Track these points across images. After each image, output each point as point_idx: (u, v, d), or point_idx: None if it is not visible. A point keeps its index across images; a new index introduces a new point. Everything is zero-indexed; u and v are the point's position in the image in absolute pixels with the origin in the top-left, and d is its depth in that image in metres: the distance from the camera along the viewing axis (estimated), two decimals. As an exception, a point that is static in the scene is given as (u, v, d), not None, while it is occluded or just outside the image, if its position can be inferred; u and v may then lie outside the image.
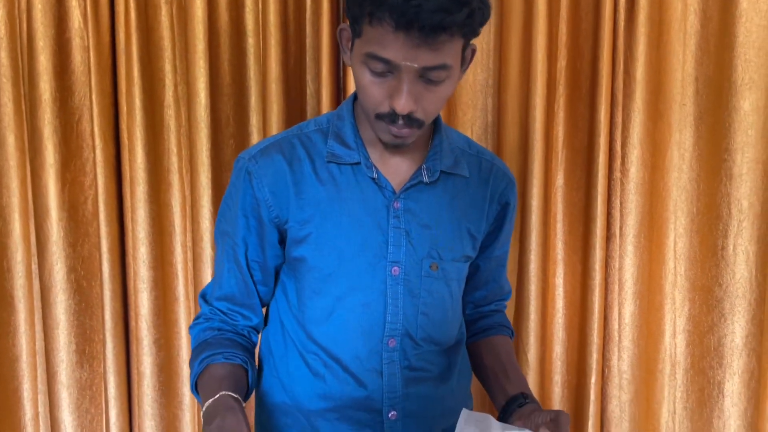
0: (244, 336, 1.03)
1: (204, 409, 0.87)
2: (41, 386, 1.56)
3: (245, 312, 1.03)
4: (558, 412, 0.92)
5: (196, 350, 1.00)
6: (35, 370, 1.55)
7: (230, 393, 0.88)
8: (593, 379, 1.54)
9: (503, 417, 1.00)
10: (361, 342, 1.00)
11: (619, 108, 1.50)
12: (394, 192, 0.99)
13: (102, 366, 1.55)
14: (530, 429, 0.92)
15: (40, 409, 1.56)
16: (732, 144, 1.49)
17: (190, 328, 1.04)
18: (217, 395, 0.87)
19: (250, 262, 1.01)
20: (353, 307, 0.99)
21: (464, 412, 0.94)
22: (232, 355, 0.97)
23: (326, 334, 1.01)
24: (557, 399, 1.62)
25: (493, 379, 1.08)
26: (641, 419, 1.60)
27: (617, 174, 1.52)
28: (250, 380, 0.99)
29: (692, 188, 1.53)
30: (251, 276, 1.01)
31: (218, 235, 1.02)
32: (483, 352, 1.12)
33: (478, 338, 1.15)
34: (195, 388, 0.97)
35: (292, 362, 1.03)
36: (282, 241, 1.01)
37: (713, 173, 1.51)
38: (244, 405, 0.89)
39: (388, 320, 1.00)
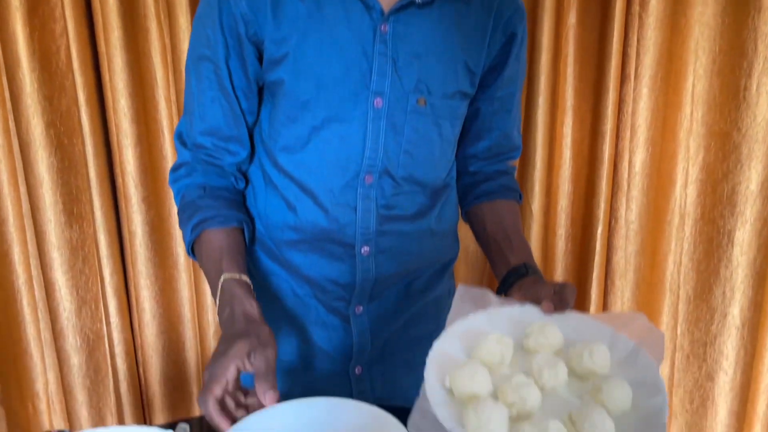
0: (232, 185, 0.97)
1: (219, 296, 0.87)
2: (32, 249, 1.51)
3: (232, 147, 0.94)
4: (563, 284, 0.87)
5: (185, 212, 0.95)
6: (24, 232, 1.50)
7: (234, 276, 0.87)
8: (599, 230, 1.49)
9: (503, 289, 0.95)
10: (335, 175, 0.93)
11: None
12: (382, 13, 0.87)
13: (92, 226, 1.50)
14: (531, 302, 0.87)
15: (33, 272, 1.53)
16: (763, -29, 1.35)
17: (171, 182, 0.97)
18: (221, 281, 0.86)
19: (236, 89, 0.91)
20: (330, 139, 0.92)
21: (461, 287, 0.89)
22: (224, 219, 0.93)
23: (299, 164, 0.94)
24: (560, 252, 1.58)
25: (495, 248, 1.02)
26: (646, 270, 1.57)
27: (636, 7, 1.38)
28: (247, 238, 0.96)
29: (716, 24, 1.40)
30: (239, 103, 0.92)
31: (194, 62, 0.92)
32: (486, 218, 1.06)
33: (480, 201, 1.08)
34: (191, 251, 0.94)
35: (269, 191, 0.97)
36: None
37: (741, 5, 1.38)
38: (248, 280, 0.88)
39: (366, 155, 0.92)
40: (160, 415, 1.59)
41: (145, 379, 1.57)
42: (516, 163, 1.14)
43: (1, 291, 1.49)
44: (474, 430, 0.70)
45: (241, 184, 0.97)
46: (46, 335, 1.53)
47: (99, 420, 1.57)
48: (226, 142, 0.93)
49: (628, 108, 1.44)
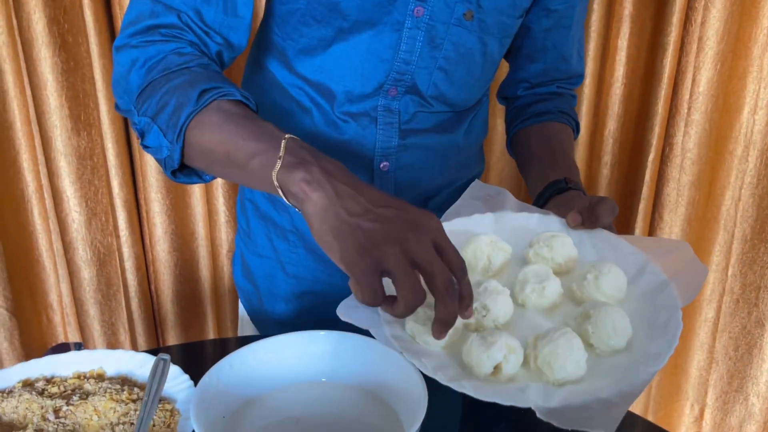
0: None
1: (282, 154, 0.57)
2: (39, 156, 1.44)
3: (226, 33, 0.75)
4: (602, 198, 0.74)
5: (172, 80, 0.68)
6: (32, 138, 1.42)
7: (291, 136, 0.60)
8: (651, 157, 1.34)
9: (536, 205, 0.83)
10: (357, 84, 0.82)
11: None
12: None
13: (99, 134, 1.41)
14: (558, 215, 0.75)
15: (43, 182, 1.46)
16: None
17: (121, 48, 0.72)
18: (286, 137, 0.59)
19: None
20: (357, 44, 0.80)
21: (476, 182, 0.81)
22: (243, 95, 0.67)
23: (318, 68, 0.82)
24: (604, 181, 1.43)
25: (536, 167, 0.89)
26: (699, 205, 1.42)
27: None
28: None
29: None
30: None
31: None
32: (531, 139, 0.93)
33: (527, 124, 0.94)
34: (183, 134, 0.65)
35: (276, 94, 0.86)
36: None
37: None
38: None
39: (395, 68, 0.81)
40: (172, 333, 1.55)
41: (157, 296, 1.52)
42: (576, 92, 0.99)
43: (12, 200, 1.43)
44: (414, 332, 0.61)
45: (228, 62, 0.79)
46: (58, 246, 1.48)
47: (112, 335, 1.54)
48: (219, 26, 0.78)
49: (697, 17, 1.25)
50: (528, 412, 0.54)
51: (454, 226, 0.72)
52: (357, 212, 0.53)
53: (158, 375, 0.60)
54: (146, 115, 0.68)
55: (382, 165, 0.85)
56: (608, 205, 0.73)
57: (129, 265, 1.46)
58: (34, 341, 1.54)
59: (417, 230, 0.53)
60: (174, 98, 0.66)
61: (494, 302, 0.63)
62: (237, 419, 0.65)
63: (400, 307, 0.54)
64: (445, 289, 0.53)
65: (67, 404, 0.68)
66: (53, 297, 1.53)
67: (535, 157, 0.91)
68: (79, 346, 1.57)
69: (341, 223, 0.52)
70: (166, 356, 0.61)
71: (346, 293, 0.90)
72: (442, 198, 0.92)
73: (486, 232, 0.71)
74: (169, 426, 0.67)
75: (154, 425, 0.66)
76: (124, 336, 1.55)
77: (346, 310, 0.62)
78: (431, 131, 0.87)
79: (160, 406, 0.68)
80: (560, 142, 0.91)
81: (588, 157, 1.40)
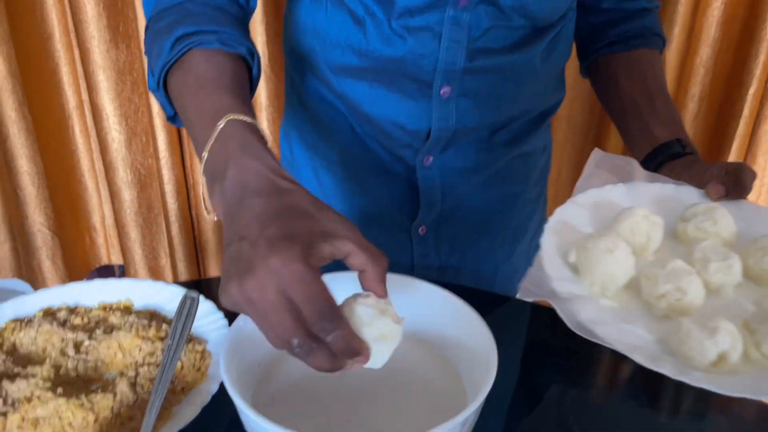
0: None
1: (206, 152, 0.52)
2: (79, 69, 1.36)
3: None
4: (738, 165, 0.65)
5: (161, 19, 0.64)
6: (71, 51, 1.34)
7: (240, 116, 0.53)
8: (752, 90, 1.17)
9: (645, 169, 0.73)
10: None
11: None
12: None
13: (139, 47, 1.32)
14: (691, 184, 0.67)
15: (83, 97, 1.39)
16: None
17: None
18: (221, 125, 0.52)
19: None
20: None
21: (597, 152, 0.73)
22: (228, 38, 0.62)
23: None
24: (690, 115, 1.27)
25: (632, 114, 0.78)
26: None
27: None
28: (254, 74, 0.65)
29: None
30: None
31: None
32: (620, 72, 0.80)
33: (614, 50, 0.81)
34: (163, 86, 0.63)
35: (330, 5, 0.73)
36: None
37: None
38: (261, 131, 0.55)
39: None
40: (213, 261, 1.49)
41: (198, 223, 1.46)
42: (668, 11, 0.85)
43: (53, 117, 1.37)
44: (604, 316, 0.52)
45: (253, 4, 0.71)
46: (99, 166, 1.42)
47: (153, 260, 1.50)
48: None
49: None
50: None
51: (588, 198, 0.66)
52: (227, 243, 0.46)
53: (184, 315, 0.52)
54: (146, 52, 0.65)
55: (442, 91, 0.74)
56: (750, 172, 0.65)
57: (169, 188, 1.39)
58: (77, 262, 1.51)
59: (251, 278, 0.43)
60: (156, 44, 0.62)
61: (689, 283, 0.55)
62: (274, 368, 0.57)
63: None
64: (285, 348, 0.43)
65: (90, 338, 0.61)
66: (96, 218, 1.49)
67: (629, 102, 0.79)
68: (121, 269, 1.54)
69: (225, 246, 0.46)
70: (195, 293, 0.53)
71: (398, 234, 0.82)
72: (511, 131, 0.80)
73: (637, 205, 0.64)
74: (198, 369, 0.59)
75: (182, 368, 0.59)
76: (165, 261, 1.51)
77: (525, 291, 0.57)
78: (505, 51, 0.74)
79: (189, 346, 0.61)
80: (657, 81, 0.79)
81: (674, 88, 1.24)
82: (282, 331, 0.43)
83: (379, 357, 0.47)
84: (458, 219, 0.81)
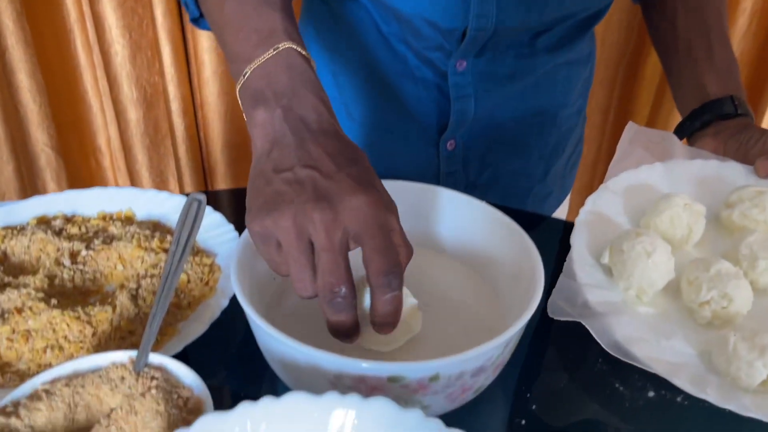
0: None
1: (249, 71, 0.47)
2: (78, -24, 1.27)
3: None
4: None
5: None
6: (69, -44, 1.25)
7: (299, 48, 0.48)
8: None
9: (689, 128, 0.68)
10: None
11: None
12: None
13: (142, -49, 1.22)
14: (737, 160, 0.61)
15: (85, 9, 1.30)
16: None
17: None
18: (280, 48, 0.47)
19: None
20: None
21: (631, 125, 0.67)
22: None
23: None
24: (738, 33, 1.17)
25: (684, 56, 0.69)
26: None
27: None
28: None
29: None
30: None
31: None
32: (678, 6, 0.70)
33: None
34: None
35: None
36: None
37: None
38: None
39: None
40: (223, 186, 1.43)
41: (206, 144, 1.39)
42: None
43: (53, 30, 1.29)
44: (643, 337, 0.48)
45: None
46: (103, 84, 1.35)
47: (161, 183, 1.44)
48: None
49: None
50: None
51: (623, 183, 0.61)
52: (281, 167, 0.42)
53: (190, 219, 0.46)
54: None
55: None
56: None
57: (175, 107, 1.32)
58: (83, 185, 1.46)
59: (326, 208, 0.40)
60: None
61: (736, 288, 0.49)
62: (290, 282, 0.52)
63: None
64: (324, 292, 0.40)
65: (87, 248, 0.56)
66: (101, 139, 1.42)
67: (683, 42, 0.70)
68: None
69: (258, 176, 0.42)
70: (201, 196, 0.47)
71: (424, 149, 0.75)
72: (555, 36, 0.70)
73: (677, 192, 0.58)
74: (207, 283, 0.54)
75: (189, 281, 0.53)
76: (173, 186, 1.45)
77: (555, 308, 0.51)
78: None
79: (197, 259, 0.55)
80: (719, 18, 0.70)
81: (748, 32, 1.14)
82: (331, 274, 0.39)
83: (392, 341, 0.45)
84: (491, 133, 0.74)
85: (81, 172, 1.44)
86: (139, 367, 0.41)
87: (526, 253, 0.48)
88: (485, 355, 0.39)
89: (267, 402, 0.36)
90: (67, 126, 1.38)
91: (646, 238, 0.52)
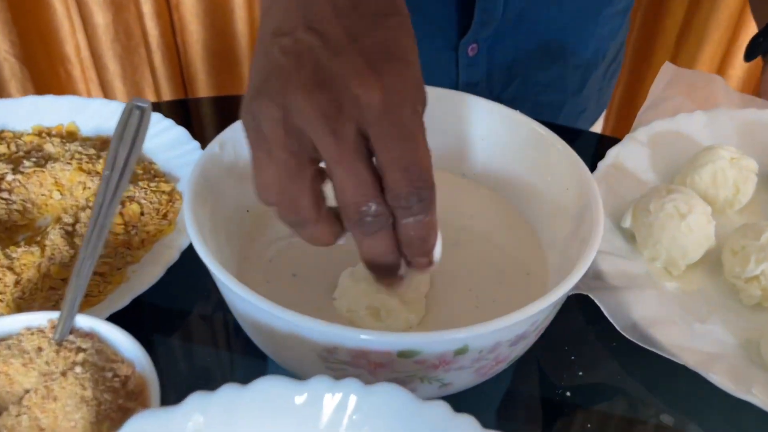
0: None
1: None
2: None
3: None
4: None
5: None
6: None
7: None
8: None
9: (762, 48, 0.56)
10: None
11: None
12: None
13: None
14: None
15: None
16: None
17: None
18: None
19: None
20: None
21: (668, 65, 0.58)
22: None
23: None
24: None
25: None
26: None
27: None
28: None
29: None
30: None
31: None
32: None
33: None
34: None
35: None
36: None
37: None
38: None
39: None
40: (202, 94, 1.30)
41: (185, 51, 1.24)
42: None
43: None
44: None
45: None
46: (66, -17, 1.19)
47: (136, 95, 1.30)
48: None
49: None
50: None
51: (654, 132, 0.50)
52: (281, 29, 0.29)
53: (130, 134, 0.34)
54: None
55: None
56: None
57: (147, 9, 1.17)
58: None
59: (326, 99, 0.27)
60: None
61: None
62: (270, 213, 0.41)
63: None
64: (349, 214, 0.28)
65: (15, 172, 0.44)
66: (69, 48, 1.28)
67: None
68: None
69: (258, 43, 0.30)
70: (145, 102, 0.35)
71: (441, 53, 0.62)
72: None
73: (722, 144, 0.47)
74: (165, 216, 0.43)
75: (142, 213, 0.42)
76: (150, 96, 1.32)
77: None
78: None
79: (153, 185, 0.44)
80: None
81: None
82: (353, 190, 0.27)
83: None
84: (521, 36, 0.60)
85: (50, 83, 1.30)
86: (61, 334, 0.30)
87: (578, 182, 0.36)
88: (530, 320, 0.29)
89: (228, 392, 0.25)
90: (30, 32, 1.23)
91: (680, 195, 0.41)
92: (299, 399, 0.26)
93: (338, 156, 0.27)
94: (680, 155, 0.48)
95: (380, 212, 0.28)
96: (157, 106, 0.57)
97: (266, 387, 0.26)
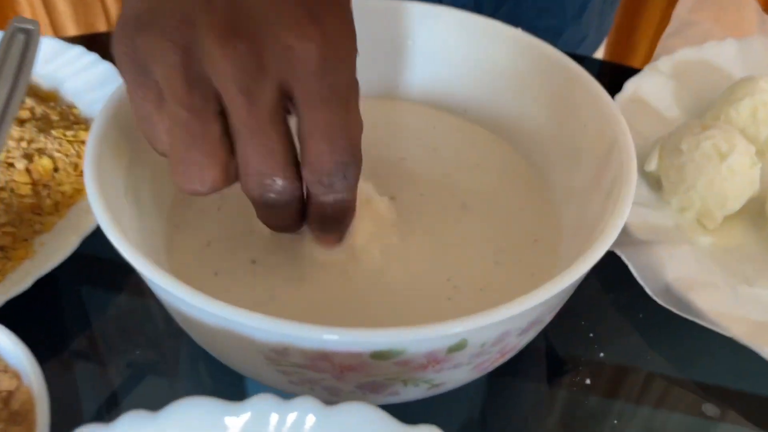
0: None
1: None
2: None
3: None
4: None
5: None
6: None
7: None
8: None
9: None
10: None
11: None
12: None
13: None
14: None
15: None
16: None
17: None
18: None
19: None
20: None
21: None
22: None
23: None
24: None
25: None
26: None
27: None
28: None
29: None
30: None
31: None
32: None
33: None
34: None
35: None
36: None
37: None
38: None
39: None
40: None
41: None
42: None
43: None
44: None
45: None
46: None
47: (84, 15, 1.18)
48: None
49: None
50: None
51: (679, 62, 0.43)
52: None
53: (12, 65, 0.26)
54: None
55: None
56: None
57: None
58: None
59: (243, 48, 0.20)
60: None
61: None
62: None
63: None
64: (251, 186, 0.23)
65: None
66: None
67: None
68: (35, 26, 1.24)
69: None
70: (32, 23, 0.27)
71: None
72: None
73: (761, 74, 0.40)
74: (76, 167, 0.35)
75: (56, 169, 0.34)
76: (100, 17, 1.20)
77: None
78: None
79: (71, 134, 0.36)
80: None
81: None
82: (258, 159, 0.22)
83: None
84: None
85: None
86: None
87: (599, 116, 0.28)
88: (544, 305, 0.21)
89: (131, 422, 0.18)
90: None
91: (719, 132, 0.34)
92: (233, 426, 0.18)
93: (248, 121, 0.21)
94: (709, 89, 0.41)
95: (286, 189, 0.22)
96: (83, 39, 0.47)
97: (185, 412, 0.18)
